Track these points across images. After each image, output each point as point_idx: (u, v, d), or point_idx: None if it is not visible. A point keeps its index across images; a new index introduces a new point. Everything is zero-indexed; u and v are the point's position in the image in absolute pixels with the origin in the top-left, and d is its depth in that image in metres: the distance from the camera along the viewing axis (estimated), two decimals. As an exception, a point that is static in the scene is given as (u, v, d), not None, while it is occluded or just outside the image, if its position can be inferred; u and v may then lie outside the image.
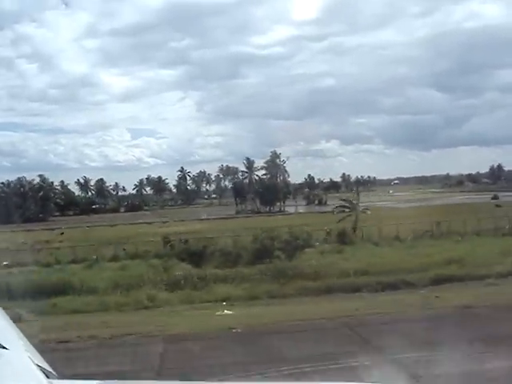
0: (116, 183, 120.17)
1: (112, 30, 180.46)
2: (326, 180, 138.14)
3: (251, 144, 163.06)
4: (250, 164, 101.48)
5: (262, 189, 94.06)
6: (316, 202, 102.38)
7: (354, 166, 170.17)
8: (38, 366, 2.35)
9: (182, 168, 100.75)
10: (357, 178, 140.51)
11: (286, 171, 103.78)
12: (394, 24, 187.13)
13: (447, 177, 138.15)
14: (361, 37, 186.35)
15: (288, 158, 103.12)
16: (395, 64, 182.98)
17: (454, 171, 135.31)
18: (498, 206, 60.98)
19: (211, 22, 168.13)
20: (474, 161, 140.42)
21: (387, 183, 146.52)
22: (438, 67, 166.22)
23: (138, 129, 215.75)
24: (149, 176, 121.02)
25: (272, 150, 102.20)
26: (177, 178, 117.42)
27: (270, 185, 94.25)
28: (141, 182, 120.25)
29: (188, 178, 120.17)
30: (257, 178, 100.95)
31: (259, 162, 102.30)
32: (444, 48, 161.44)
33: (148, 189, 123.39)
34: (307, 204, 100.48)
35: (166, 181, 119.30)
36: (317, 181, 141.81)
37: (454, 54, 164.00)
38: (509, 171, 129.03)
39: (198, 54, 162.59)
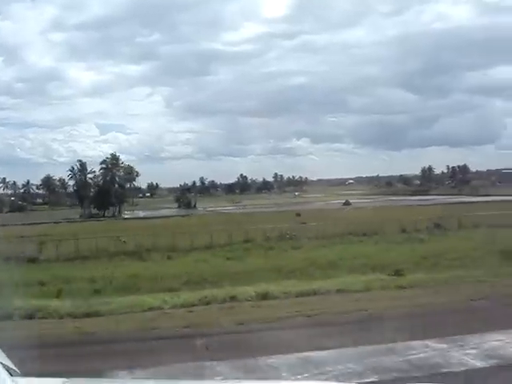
0: (4, 178, 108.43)
1: (78, 23, 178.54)
2: (259, 180, 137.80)
3: (221, 141, 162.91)
4: (82, 167, 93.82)
5: (96, 193, 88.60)
6: (184, 205, 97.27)
7: (325, 165, 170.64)
8: (1, 363, 2.35)
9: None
10: (288, 178, 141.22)
11: (136, 174, 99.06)
12: (364, 23, 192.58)
13: (377, 178, 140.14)
14: (331, 35, 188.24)
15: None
16: (366, 63, 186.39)
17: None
18: (298, 214, 54.91)
19: (180, 18, 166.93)
20: (443, 161, 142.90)
21: (342, 182, 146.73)
22: (407, 67, 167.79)
23: (107, 124, 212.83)
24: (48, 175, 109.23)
25: (113, 154, 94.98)
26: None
27: (103, 189, 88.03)
28: (28, 180, 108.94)
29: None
30: (91, 181, 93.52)
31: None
32: (414, 48, 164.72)
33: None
34: (178, 207, 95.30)
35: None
36: (249, 181, 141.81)
37: (424, 54, 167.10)
38: (442, 173, 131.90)
39: (166, 50, 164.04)
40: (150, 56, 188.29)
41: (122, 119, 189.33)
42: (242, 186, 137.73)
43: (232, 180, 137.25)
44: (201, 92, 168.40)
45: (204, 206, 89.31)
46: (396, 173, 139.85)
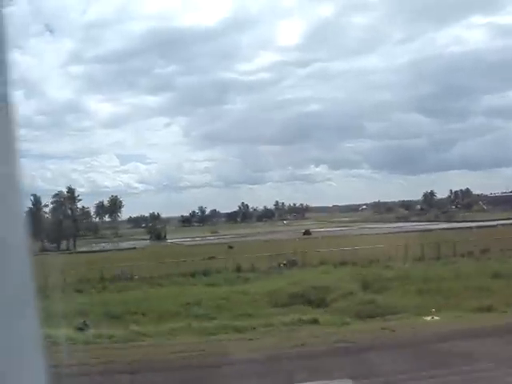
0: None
1: (96, 56, 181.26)
2: (260, 208, 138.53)
3: (239, 169, 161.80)
4: (36, 200, 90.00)
5: (47, 226, 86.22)
6: (155, 236, 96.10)
7: (343, 190, 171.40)
8: None
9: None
10: (289, 206, 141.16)
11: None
12: (377, 50, 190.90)
13: (378, 204, 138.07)
14: (345, 62, 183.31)
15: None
16: (381, 89, 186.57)
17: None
18: (230, 247, 53.76)
19: (196, 49, 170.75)
20: (462, 184, 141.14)
21: (355, 208, 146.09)
22: (423, 91, 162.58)
23: (127, 154, 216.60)
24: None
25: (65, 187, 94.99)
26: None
27: (55, 222, 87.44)
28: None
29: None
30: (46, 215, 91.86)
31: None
32: (429, 73, 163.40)
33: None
34: (150, 238, 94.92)
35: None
36: (251, 209, 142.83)
37: (440, 78, 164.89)
38: (440, 199, 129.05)
39: (183, 80, 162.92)
40: (167, 87, 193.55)
41: (141, 149, 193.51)
42: (244, 215, 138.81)
43: (234, 208, 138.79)
44: (218, 121, 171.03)
45: (177, 236, 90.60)
46: (414, 197, 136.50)
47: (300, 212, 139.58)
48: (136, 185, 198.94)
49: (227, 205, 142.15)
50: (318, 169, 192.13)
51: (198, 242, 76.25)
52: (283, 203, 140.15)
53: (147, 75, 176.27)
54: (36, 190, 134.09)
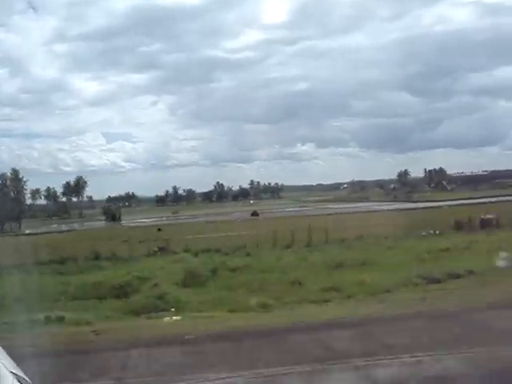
0: None
1: (81, 34, 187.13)
2: (236, 187, 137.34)
3: (226, 148, 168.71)
4: None
5: None
6: (110, 217, 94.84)
7: (330, 169, 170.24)
8: (12, 372, 2.32)
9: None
10: (264, 185, 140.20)
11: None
12: (364, 27, 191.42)
13: (353, 183, 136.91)
14: (332, 40, 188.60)
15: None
16: (368, 67, 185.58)
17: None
18: (159, 229, 53.36)
19: (180, 27, 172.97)
20: (449, 162, 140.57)
21: (337, 187, 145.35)
22: (410, 70, 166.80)
23: (114, 133, 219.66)
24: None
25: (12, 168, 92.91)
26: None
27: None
28: None
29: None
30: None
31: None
32: (415, 51, 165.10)
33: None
34: (105, 219, 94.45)
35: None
36: (226, 188, 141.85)
37: (426, 57, 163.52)
38: (414, 178, 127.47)
39: (168, 59, 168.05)
40: (152, 65, 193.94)
41: (128, 128, 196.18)
42: (219, 194, 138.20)
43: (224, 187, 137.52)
44: (205, 99, 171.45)
45: (134, 217, 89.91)
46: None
47: (275, 191, 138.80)
48: (123, 163, 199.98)
49: (214, 183, 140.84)
50: (304, 147, 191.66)
51: (147, 223, 75.67)
52: (258, 182, 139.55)
53: (132, 53, 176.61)
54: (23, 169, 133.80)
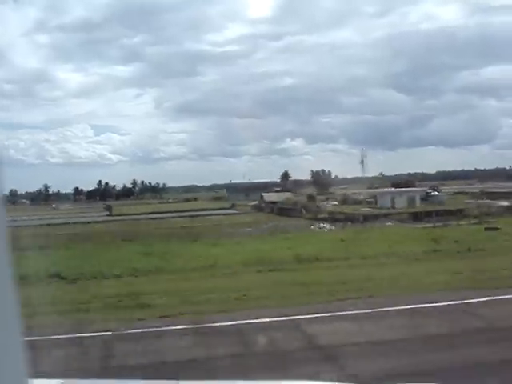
0: None
1: (62, 25, 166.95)
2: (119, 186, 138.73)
3: (215, 142, 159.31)
4: None
5: None
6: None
7: (320, 165, 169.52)
8: None
9: None
10: (143, 185, 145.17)
11: None
12: (350, 23, 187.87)
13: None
14: (318, 36, 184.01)
15: None
16: (355, 64, 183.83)
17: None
18: None
19: (163, 19, 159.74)
20: (440, 161, 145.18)
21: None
22: (397, 68, 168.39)
23: (101, 125, 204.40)
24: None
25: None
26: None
27: None
28: None
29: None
30: None
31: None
32: (403, 49, 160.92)
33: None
34: None
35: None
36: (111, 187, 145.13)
37: (414, 54, 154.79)
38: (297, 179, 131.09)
39: (152, 51, 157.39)
40: (136, 57, 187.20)
41: (115, 120, 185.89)
42: (102, 193, 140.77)
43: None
44: (190, 93, 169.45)
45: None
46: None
47: (157, 191, 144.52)
48: (110, 156, 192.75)
49: (204, 177, 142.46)
50: (294, 143, 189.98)
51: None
52: (143, 182, 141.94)
53: (115, 45, 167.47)
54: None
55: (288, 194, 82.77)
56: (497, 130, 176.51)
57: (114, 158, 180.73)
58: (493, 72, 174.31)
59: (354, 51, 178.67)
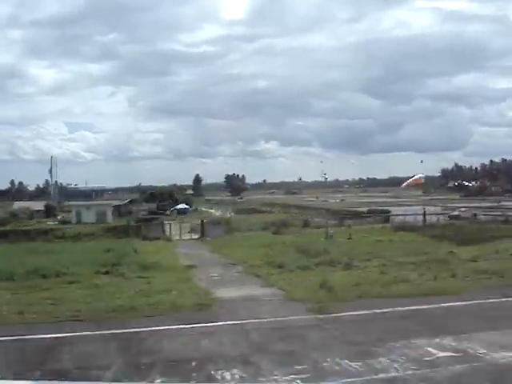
0: None
1: (35, 21, 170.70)
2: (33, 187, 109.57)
3: (190, 142, 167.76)
4: None
5: None
6: None
7: (295, 168, 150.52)
8: None
9: None
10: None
11: None
12: (323, 28, 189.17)
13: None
14: (292, 40, 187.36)
15: None
16: (327, 68, 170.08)
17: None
18: None
19: (137, 18, 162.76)
20: (411, 166, 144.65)
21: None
22: (370, 73, 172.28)
23: (75, 123, 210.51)
24: None
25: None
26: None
27: None
28: None
29: None
30: None
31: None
32: (375, 54, 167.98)
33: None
34: None
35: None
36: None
37: (386, 60, 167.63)
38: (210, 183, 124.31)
39: (125, 49, 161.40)
40: (109, 55, 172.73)
41: (89, 118, 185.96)
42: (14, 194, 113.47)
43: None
44: (164, 92, 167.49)
45: None
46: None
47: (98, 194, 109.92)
48: (83, 154, 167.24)
49: (179, 176, 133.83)
50: (268, 145, 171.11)
51: None
52: (56, 182, 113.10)
53: (88, 42, 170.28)
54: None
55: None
56: (468, 137, 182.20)
57: (88, 156, 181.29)
58: (464, 80, 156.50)
59: (327, 55, 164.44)
